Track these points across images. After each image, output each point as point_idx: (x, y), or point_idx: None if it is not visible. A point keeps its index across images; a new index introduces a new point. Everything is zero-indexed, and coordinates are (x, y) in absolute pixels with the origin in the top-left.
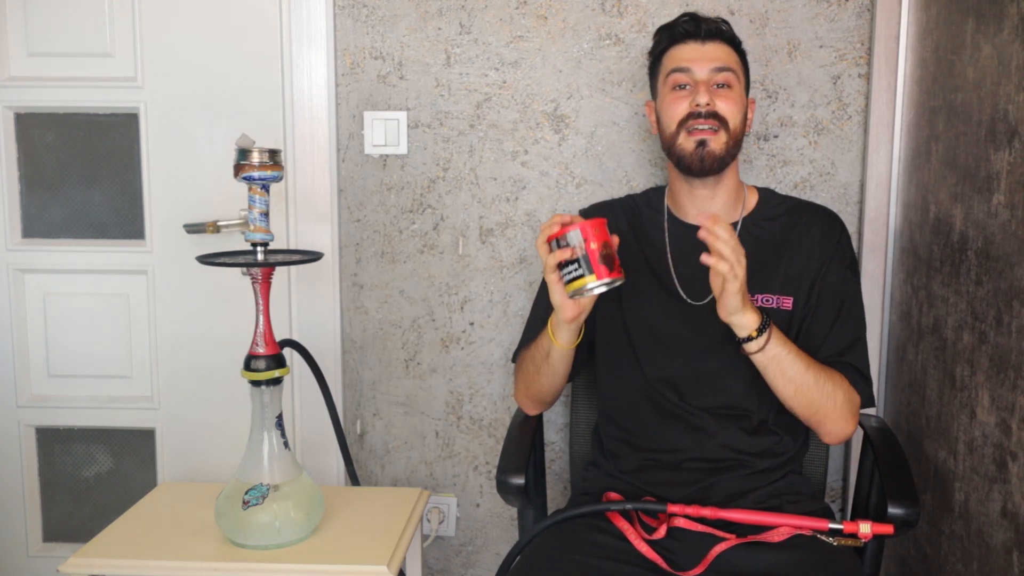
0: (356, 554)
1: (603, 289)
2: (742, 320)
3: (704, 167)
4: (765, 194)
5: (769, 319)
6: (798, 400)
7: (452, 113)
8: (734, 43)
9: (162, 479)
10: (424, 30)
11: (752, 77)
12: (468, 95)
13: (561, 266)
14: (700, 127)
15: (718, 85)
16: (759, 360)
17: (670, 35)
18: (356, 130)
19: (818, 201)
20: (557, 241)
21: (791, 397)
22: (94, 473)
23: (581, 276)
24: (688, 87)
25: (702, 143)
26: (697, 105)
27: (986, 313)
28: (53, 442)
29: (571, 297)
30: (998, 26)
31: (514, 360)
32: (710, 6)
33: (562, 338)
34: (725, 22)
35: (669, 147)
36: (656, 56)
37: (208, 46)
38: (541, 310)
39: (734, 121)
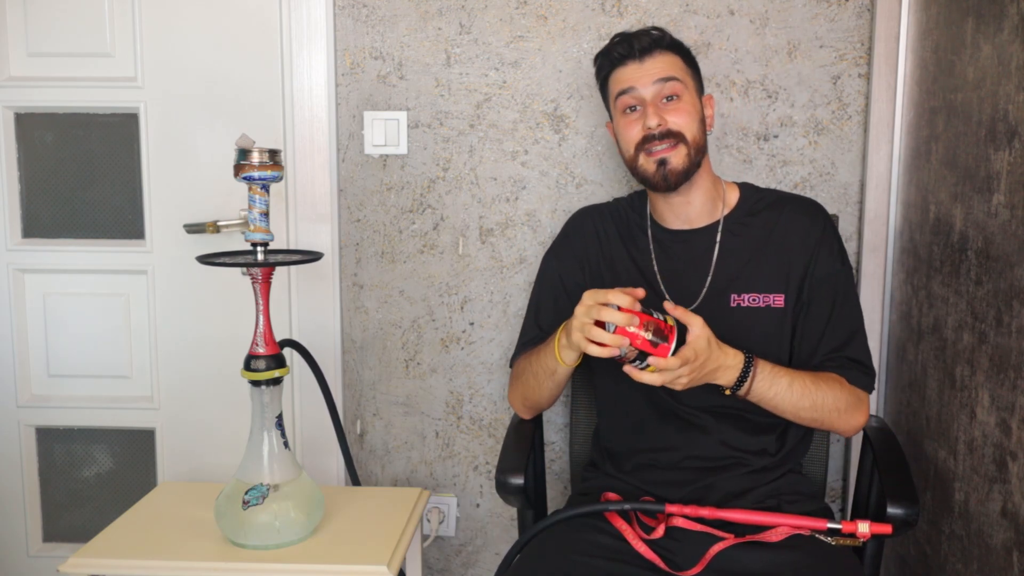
0: (356, 554)
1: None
2: (715, 383)
3: (669, 184)
4: (747, 190)
5: (748, 371)
6: (799, 420)
7: (452, 113)
8: (675, 48)
9: (162, 479)
10: (424, 30)
11: (752, 77)
12: (468, 95)
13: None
14: (658, 148)
15: (667, 99)
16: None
17: (608, 60)
18: (356, 130)
19: (818, 201)
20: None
21: (790, 419)
22: (94, 473)
23: (648, 365)
24: (638, 108)
25: (663, 162)
26: (649, 128)
27: (986, 313)
28: (53, 442)
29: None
30: (998, 26)
31: (511, 365)
32: (710, 6)
33: (569, 358)
34: (659, 30)
35: (632, 169)
36: (602, 81)
37: (208, 46)
38: (537, 316)
39: (691, 132)
